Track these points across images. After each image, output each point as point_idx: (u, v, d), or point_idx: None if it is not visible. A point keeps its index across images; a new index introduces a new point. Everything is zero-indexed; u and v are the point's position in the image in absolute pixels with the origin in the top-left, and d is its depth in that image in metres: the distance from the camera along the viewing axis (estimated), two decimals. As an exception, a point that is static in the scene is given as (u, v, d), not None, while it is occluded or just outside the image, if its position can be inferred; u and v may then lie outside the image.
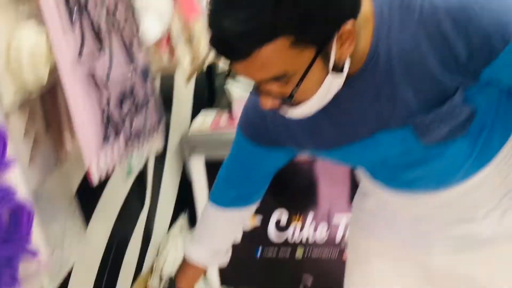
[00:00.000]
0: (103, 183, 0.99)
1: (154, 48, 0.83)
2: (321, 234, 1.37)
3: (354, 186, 1.30)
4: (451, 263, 0.79)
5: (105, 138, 0.62)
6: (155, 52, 0.84)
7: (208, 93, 1.70)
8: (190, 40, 0.87)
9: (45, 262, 0.59)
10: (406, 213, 0.79)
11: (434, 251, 0.79)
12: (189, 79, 0.86)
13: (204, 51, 0.94)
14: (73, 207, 0.87)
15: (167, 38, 0.83)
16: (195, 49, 0.89)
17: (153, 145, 0.93)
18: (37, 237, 0.58)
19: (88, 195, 0.92)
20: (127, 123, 0.66)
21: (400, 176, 0.71)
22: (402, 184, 0.72)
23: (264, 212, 1.38)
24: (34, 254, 0.57)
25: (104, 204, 0.99)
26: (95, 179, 0.62)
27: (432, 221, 0.77)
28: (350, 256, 0.96)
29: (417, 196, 0.74)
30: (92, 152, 0.60)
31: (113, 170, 0.67)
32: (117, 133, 0.64)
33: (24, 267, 0.57)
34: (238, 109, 1.42)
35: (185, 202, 1.47)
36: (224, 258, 0.91)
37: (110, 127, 0.62)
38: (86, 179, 0.82)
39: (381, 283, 0.88)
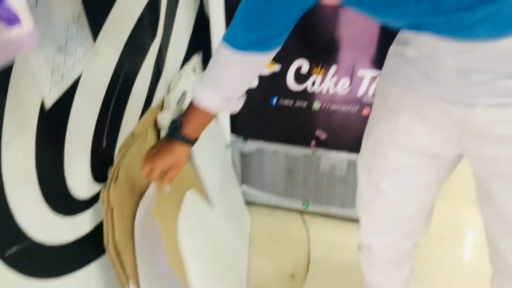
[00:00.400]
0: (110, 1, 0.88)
1: None
2: (342, 88, 1.28)
3: (383, 41, 1.17)
4: (491, 120, 0.70)
5: None
6: None
7: None
8: None
9: (28, 34, 0.50)
10: (454, 64, 0.68)
11: (477, 106, 0.70)
12: None
13: None
14: (77, 12, 0.77)
15: None
16: None
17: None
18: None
19: (95, 7, 0.82)
20: None
21: (457, 22, 0.58)
22: (458, 31, 0.60)
23: (284, 60, 1.28)
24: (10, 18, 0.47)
25: (113, 21, 0.89)
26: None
27: (482, 73, 0.67)
28: (376, 108, 0.87)
29: (473, 44, 0.62)
30: None
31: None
32: None
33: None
34: None
35: (200, 41, 1.37)
36: (237, 104, 0.84)
37: None
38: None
39: (404, 144, 0.81)
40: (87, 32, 0.80)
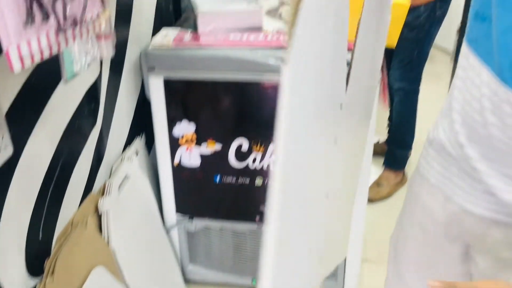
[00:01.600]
0: (48, 92, 0.90)
1: None
2: (283, 163, 1.32)
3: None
4: None
5: (29, 18, 0.52)
6: None
7: (174, 9, 1.58)
8: None
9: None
10: None
11: None
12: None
13: None
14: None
15: None
16: None
17: (102, 48, 0.83)
18: None
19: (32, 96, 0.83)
20: (58, 6, 0.56)
21: None
22: None
23: (224, 140, 1.32)
24: None
25: (52, 110, 0.90)
26: (16, 67, 0.53)
27: None
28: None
29: None
30: (10, 33, 0.50)
31: (42, 61, 0.58)
32: (45, 16, 0.54)
33: None
34: (203, 25, 1.31)
35: (142, 124, 1.39)
36: None
37: (35, 5, 0.52)
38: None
39: None
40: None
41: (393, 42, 1.22)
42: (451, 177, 0.83)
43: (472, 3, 0.77)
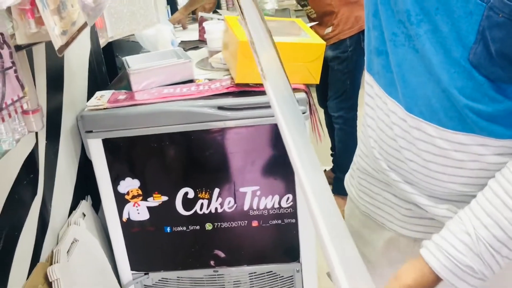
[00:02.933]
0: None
1: (17, 13, 0.76)
2: (228, 207, 1.36)
3: (257, 160, 1.30)
4: None
5: None
6: (20, 18, 0.77)
7: (108, 71, 1.62)
8: (59, 8, 0.80)
9: None
10: None
11: None
12: (61, 51, 0.80)
13: (78, 20, 0.88)
14: None
15: (31, 2, 0.76)
16: (67, 18, 0.83)
17: (31, 123, 0.86)
18: None
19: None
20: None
21: None
22: None
23: (170, 191, 1.35)
24: None
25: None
26: None
27: None
28: None
29: None
30: None
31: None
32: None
33: None
34: (136, 83, 1.36)
35: (87, 185, 1.41)
36: None
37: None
38: None
39: None
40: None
41: (317, 79, 1.31)
42: (381, 206, 0.89)
43: (366, 39, 0.85)
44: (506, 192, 0.64)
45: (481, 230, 0.65)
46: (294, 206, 1.36)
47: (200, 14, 2.08)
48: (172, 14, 2.47)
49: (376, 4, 0.74)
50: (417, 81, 0.69)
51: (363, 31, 2.25)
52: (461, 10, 0.63)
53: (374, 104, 0.82)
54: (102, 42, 1.55)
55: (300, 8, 2.46)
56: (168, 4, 2.52)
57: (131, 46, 1.88)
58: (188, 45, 1.95)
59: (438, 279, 0.68)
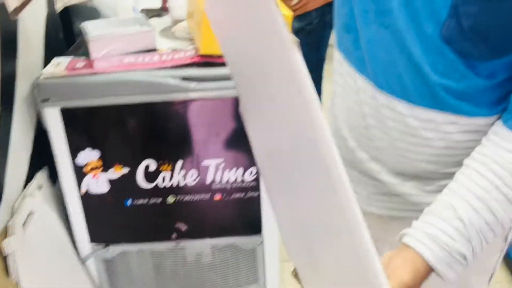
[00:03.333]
0: None
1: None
2: (191, 180, 1.34)
3: (222, 131, 1.28)
4: None
5: None
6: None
7: (65, 37, 1.55)
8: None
9: None
10: None
11: None
12: (15, 13, 0.75)
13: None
14: None
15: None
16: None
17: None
18: None
19: None
20: None
21: None
22: None
23: (131, 163, 1.31)
24: None
25: None
26: None
27: None
28: None
29: None
30: None
31: None
32: None
33: None
34: (95, 51, 1.30)
35: (44, 157, 1.35)
36: None
37: None
38: None
39: None
40: None
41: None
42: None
43: (335, 15, 0.83)
44: (496, 175, 0.64)
45: (472, 214, 0.64)
46: (257, 179, 1.35)
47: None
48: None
49: None
50: (388, 58, 0.69)
51: (328, 4, 2.23)
52: None
53: (343, 81, 0.82)
54: (59, 6, 1.48)
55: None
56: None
57: (89, 12, 1.79)
58: (151, 13, 1.88)
59: (430, 270, 0.65)
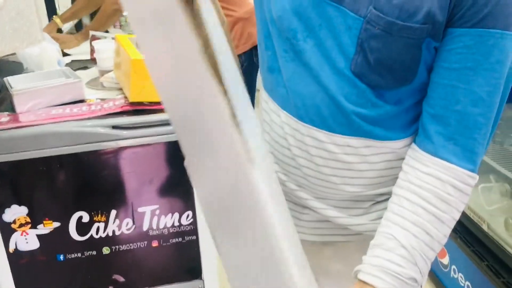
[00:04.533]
0: None
1: None
2: (127, 228, 1.32)
3: (166, 177, 1.29)
4: None
5: None
6: None
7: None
8: None
9: None
10: None
11: None
12: None
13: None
14: None
15: None
16: None
17: None
18: None
19: None
20: None
21: None
22: None
23: (62, 216, 1.28)
24: None
25: None
26: None
27: None
28: None
29: None
30: None
31: None
32: None
33: None
34: (20, 104, 1.28)
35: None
36: None
37: None
38: None
39: None
40: None
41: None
42: None
43: (260, 59, 0.90)
44: (422, 198, 0.70)
45: (412, 239, 0.69)
46: (194, 223, 1.36)
47: (91, 33, 2.01)
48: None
49: (267, 25, 0.80)
50: (307, 92, 0.75)
51: (255, 47, 2.34)
52: (341, 25, 0.70)
53: (269, 119, 0.87)
54: (-20, 61, 1.44)
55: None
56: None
57: (12, 66, 1.76)
58: (76, 65, 1.88)
59: None
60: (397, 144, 0.78)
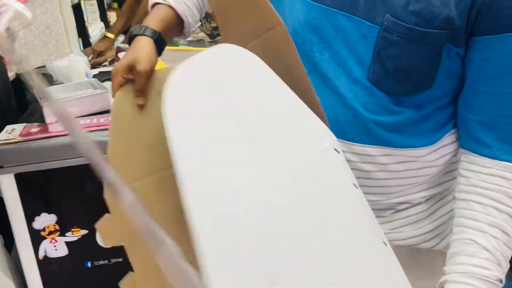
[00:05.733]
0: None
1: None
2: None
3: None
4: None
5: None
6: None
7: (18, 104, 1.56)
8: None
9: None
10: None
11: None
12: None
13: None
14: None
15: None
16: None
17: None
18: None
19: None
20: None
21: None
22: None
23: (90, 224, 1.30)
24: None
25: None
26: None
27: None
28: None
29: None
30: None
31: None
32: None
33: None
34: (50, 115, 1.33)
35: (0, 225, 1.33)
36: (192, 20, 0.86)
37: None
38: None
39: None
40: None
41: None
42: None
43: None
44: (492, 199, 0.70)
45: (492, 241, 0.69)
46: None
47: (117, 44, 2.06)
48: (84, 46, 2.41)
49: None
50: (325, 103, 0.75)
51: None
52: (356, 35, 0.70)
53: None
54: (11, 75, 1.50)
55: (212, 39, 2.52)
56: (79, 36, 2.46)
57: (42, 79, 1.82)
58: (103, 76, 1.93)
59: None
60: (419, 152, 0.77)
